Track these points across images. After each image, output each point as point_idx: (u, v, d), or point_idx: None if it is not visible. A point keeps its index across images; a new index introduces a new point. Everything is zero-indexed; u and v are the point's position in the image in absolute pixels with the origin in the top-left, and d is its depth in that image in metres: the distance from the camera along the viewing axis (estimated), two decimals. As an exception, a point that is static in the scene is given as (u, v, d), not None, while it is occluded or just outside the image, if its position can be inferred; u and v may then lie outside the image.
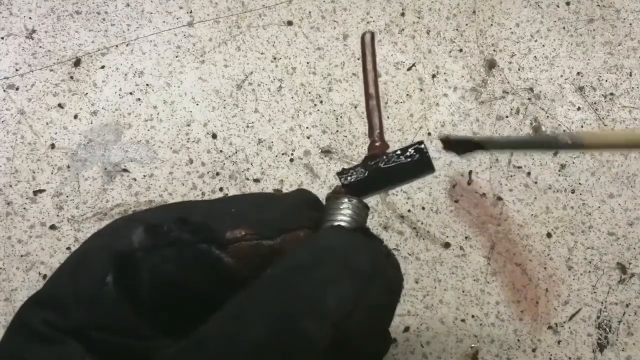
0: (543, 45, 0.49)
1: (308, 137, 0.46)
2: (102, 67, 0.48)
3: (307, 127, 0.46)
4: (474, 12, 0.50)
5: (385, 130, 0.27)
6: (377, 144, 0.25)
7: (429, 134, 0.46)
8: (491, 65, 0.49)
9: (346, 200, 0.24)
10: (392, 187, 0.27)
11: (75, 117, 0.46)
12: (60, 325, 0.20)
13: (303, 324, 0.18)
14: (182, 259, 0.22)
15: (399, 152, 0.25)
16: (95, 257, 0.21)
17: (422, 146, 0.25)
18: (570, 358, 0.42)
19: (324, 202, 0.26)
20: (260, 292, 0.19)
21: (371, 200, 0.45)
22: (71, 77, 0.47)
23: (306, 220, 0.24)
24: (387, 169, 0.25)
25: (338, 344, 0.19)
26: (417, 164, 0.25)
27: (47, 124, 0.46)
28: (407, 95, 0.48)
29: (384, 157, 0.25)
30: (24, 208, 0.44)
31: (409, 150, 0.25)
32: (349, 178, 0.26)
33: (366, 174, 0.25)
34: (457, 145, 0.30)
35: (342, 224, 0.24)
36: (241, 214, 0.23)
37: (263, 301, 0.19)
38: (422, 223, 0.44)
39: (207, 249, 0.22)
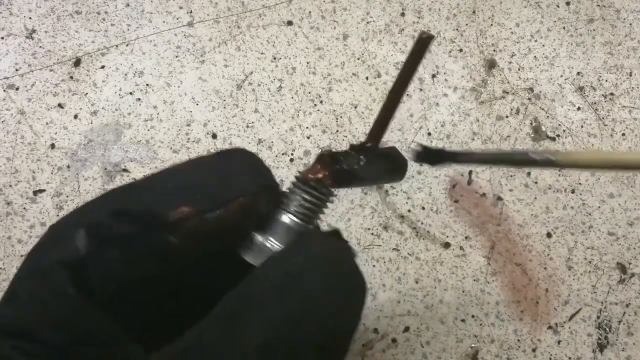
0: (543, 45, 0.49)
1: (308, 137, 0.46)
2: (102, 67, 0.48)
3: (307, 127, 0.46)
4: (474, 12, 0.50)
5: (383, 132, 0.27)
6: (368, 144, 0.25)
7: (429, 134, 0.46)
8: (491, 65, 0.49)
9: (325, 190, 0.24)
10: (365, 185, 0.27)
11: (75, 117, 0.46)
12: (30, 349, 0.19)
13: (303, 325, 0.19)
14: (129, 254, 0.21)
15: (381, 152, 0.25)
16: (50, 274, 0.21)
17: (404, 154, 0.25)
18: (570, 358, 0.42)
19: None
20: (260, 293, 0.19)
21: (371, 201, 0.45)
22: (71, 77, 0.47)
23: (246, 187, 0.24)
24: (370, 167, 0.25)
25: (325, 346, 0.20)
26: (396, 169, 0.25)
27: (47, 124, 0.46)
28: (407, 95, 0.48)
29: (365, 153, 0.25)
30: (24, 208, 0.44)
31: (392, 154, 0.25)
32: (341, 164, 0.25)
33: (354, 167, 0.25)
34: (431, 156, 0.29)
35: (303, 211, 0.24)
36: (180, 190, 0.23)
37: (263, 302, 0.19)
38: (422, 223, 0.44)
39: (151, 237, 0.22)
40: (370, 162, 0.25)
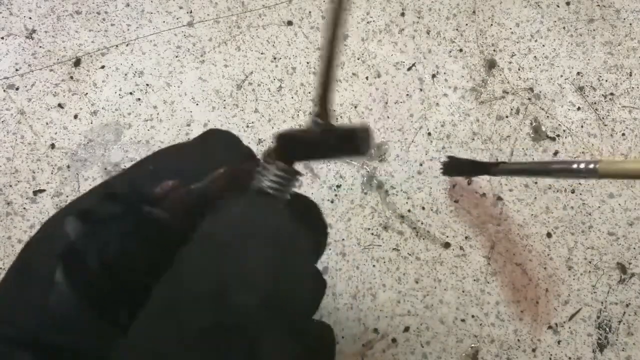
0: (543, 45, 0.49)
1: (308, 137, 0.46)
2: (102, 67, 0.48)
3: (307, 127, 0.46)
4: (474, 12, 0.50)
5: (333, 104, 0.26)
6: (320, 120, 0.24)
7: (429, 133, 0.46)
8: (491, 65, 0.49)
9: (273, 167, 0.24)
10: (322, 160, 0.26)
11: (75, 117, 0.46)
12: (9, 336, 0.19)
13: (234, 299, 0.18)
14: (120, 234, 0.22)
15: (341, 129, 0.24)
16: (38, 263, 0.21)
17: (363, 133, 0.24)
18: (570, 358, 0.42)
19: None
20: (186, 275, 0.19)
21: (371, 201, 0.45)
22: (71, 77, 0.47)
23: (228, 158, 0.24)
24: (324, 141, 0.23)
25: (270, 308, 0.19)
26: (355, 144, 0.24)
27: (47, 124, 0.46)
28: (407, 95, 0.48)
29: (326, 129, 0.24)
30: (24, 208, 0.44)
31: (352, 130, 0.24)
32: (286, 141, 0.24)
33: (304, 140, 0.24)
34: (460, 167, 0.28)
35: (270, 191, 0.23)
36: (165, 169, 0.23)
37: (191, 284, 0.19)
38: (422, 223, 0.44)
39: (139, 214, 0.22)
40: (323, 138, 0.24)
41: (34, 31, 0.49)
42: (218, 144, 0.25)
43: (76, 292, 0.20)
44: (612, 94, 0.48)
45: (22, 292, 0.21)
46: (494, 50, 0.49)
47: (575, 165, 0.23)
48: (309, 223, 0.25)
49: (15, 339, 0.19)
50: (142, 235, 0.22)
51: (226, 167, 0.23)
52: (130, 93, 0.47)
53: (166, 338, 0.18)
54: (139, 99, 0.47)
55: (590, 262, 0.44)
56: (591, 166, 0.22)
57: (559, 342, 0.42)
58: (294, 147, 0.24)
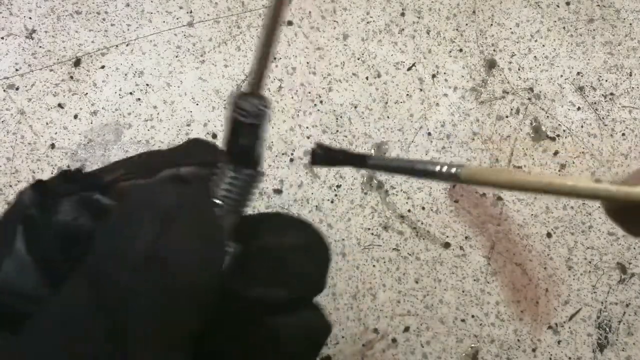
0: (543, 45, 0.49)
1: (308, 137, 0.46)
2: (102, 67, 0.48)
3: (307, 127, 0.46)
4: (474, 12, 0.50)
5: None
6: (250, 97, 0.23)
7: (429, 134, 0.46)
8: (491, 65, 0.49)
9: (228, 169, 0.22)
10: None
11: (75, 117, 0.46)
12: None
13: (116, 275, 0.17)
14: (69, 209, 0.23)
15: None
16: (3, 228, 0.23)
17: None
18: (570, 358, 0.42)
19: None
20: (86, 260, 0.19)
21: (371, 201, 0.45)
22: (71, 77, 0.47)
23: (184, 161, 0.24)
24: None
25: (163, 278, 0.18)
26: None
27: (47, 124, 0.46)
28: (407, 95, 0.48)
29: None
30: (24, 208, 0.44)
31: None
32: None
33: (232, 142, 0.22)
34: (333, 157, 0.27)
35: (224, 192, 0.22)
36: (126, 160, 0.25)
37: (84, 267, 0.18)
38: (422, 223, 0.44)
39: (89, 195, 0.23)
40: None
41: (34, 31, 0.49)
42: (195, 150, 0.26)
43: (32, 258, 0.22)
44: (612, 94, 0.48)
45: None
46: (494, 50, 0.49)
47: (437, 168, 0.22)
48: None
49: None
50: (89, 216, 0.23)
51: (176, 168, 0.24)
52: (130, 93, 0.47)
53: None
54: (139, 99, 0.47)
55: (590, 262, 0.44)
56: (453, 170, 0.22)
57: (559, 342, 0.42)
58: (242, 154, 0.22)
